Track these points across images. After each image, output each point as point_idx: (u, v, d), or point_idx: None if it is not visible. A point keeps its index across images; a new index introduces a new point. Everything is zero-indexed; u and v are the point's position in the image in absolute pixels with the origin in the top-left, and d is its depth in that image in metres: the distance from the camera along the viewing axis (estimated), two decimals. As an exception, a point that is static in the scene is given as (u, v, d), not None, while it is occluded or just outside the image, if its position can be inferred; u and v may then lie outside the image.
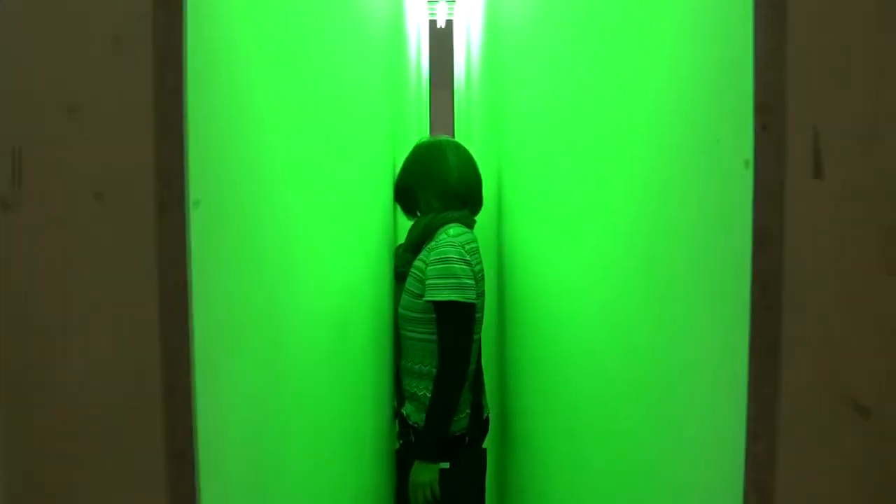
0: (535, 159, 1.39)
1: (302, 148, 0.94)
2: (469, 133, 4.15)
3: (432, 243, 1.80)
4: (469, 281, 1.72)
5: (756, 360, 0.45)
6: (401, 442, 1.90)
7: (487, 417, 1.95)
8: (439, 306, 1.71)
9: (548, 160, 1.25)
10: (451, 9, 8.21)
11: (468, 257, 1.74)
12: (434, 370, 1.75)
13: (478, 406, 1.87)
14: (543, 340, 1.31)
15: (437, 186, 1.88)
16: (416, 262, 1.81)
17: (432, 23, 8.54)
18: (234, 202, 0.60)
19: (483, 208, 2.00)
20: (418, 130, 5.28)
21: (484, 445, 1.93)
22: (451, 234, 1.78)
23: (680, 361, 0.62)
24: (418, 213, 1.96)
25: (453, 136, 4.66)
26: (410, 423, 1.82)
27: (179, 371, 0.47)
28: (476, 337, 1.83)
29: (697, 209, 0.57)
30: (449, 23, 8.65)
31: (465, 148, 1.99)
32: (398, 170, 2.03)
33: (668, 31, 0.65)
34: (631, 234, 0.78)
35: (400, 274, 1.91)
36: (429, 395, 1.74)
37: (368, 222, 1.62)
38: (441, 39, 8.80)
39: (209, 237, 0.52)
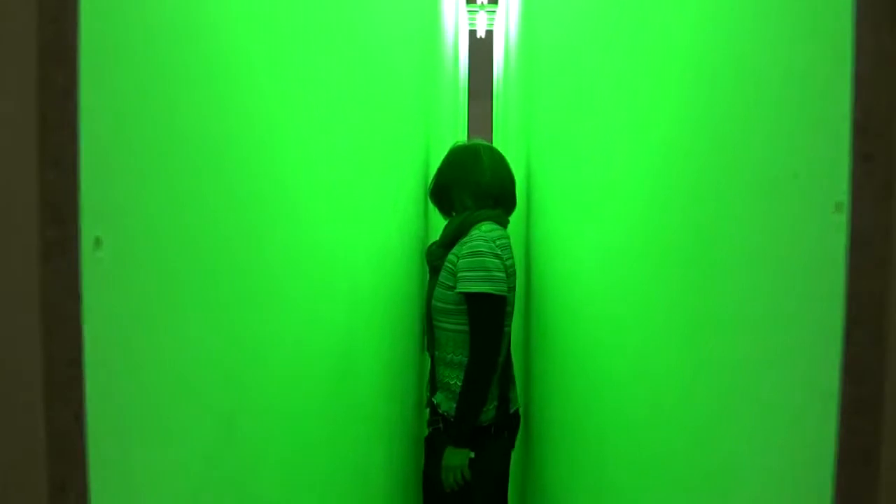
0: (565, 165, 1.49)
1: (311, 149, 0.87)
2: (505, 140, 4.26)
3: (465, 238, 1.92)
4: (500, 274, 1.83)
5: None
6: (430, 429, 2.02)
7: (517, 412, 2.05)
8: (470, 297, 1.83)
9: (577, 169, 1.34)
10: (490, 19, 8.37)
11: (499, 252, 1.86)
12: (465, 360, 1.87)
13: (505, 399, 1.98)
14: (567, 338, 1.41)
15: (472, 186, 2.01)
16: (450, 256, 1.93)
17: (472, 33, 8.71)
18: (168, 234, 0.45)
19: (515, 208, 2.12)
20: (455, 139, 5.43)
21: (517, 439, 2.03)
22: (484, 230, 1.90)
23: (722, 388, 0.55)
24: (453, 213, 2.09)
25: (491, 141, 4.79)
26: (441, 411, 1.93)
27: (69, 466, 0.35)
28: (506, 329, 1.94)
29: (764, 264, 0.45)
30: (489, 33, 8.81)
31: (498, 151, 2.12)
32: (433, 172, 2.17)
33: (720, 25, 0.53)
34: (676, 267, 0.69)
35: (434, 268, 2.04)
36: (459, 383, 1.86)
37: (392, 221, 1.75)
38: (481, 49, 8.95)
39: (118, 287, 0.39)
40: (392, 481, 1.70)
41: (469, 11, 7.94)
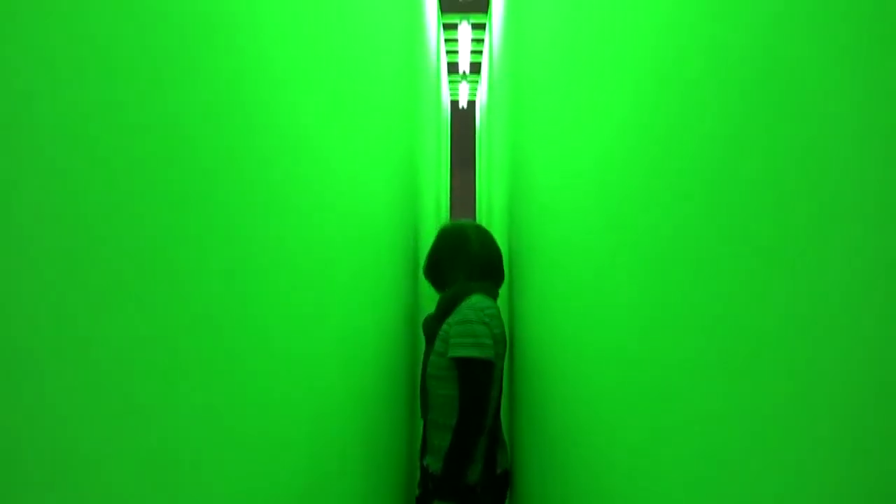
0: (547, 239, 1.86)
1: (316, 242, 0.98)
2: (489, 209, 4.67)
3: (457, 309, 2.25)
4: (487, 340, 2.15)
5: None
6: (420, 490, 2.29)
7: (505, 472, 2.32)
8: (460, 362, 2.14)
9: (559, 241, 1.70)
10: (473, 89, 8.95)
11: (487, 320, 2.18)
12: (454, 422, 2.16)
13: (492, 460, 2.25)
14: (549, 401, 1.66)
15: (462, 263, 2.37)
16: (444, 326, 2.24)
17: (454, 103, 9.29)
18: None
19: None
20: (439, 209, 5.84)
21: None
22: (473, 300, 2.23)
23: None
24: (447, 288, 2.44)
25: (474, 212, 5.20)
26: (430, 471, 2.21)
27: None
28: (494, 393, 2.24)
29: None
30: (471, 103, 9.40)
31: (484, 228, 2.50)
32: (423, 249, 2.57)
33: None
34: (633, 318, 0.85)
35: (430, 337, 2.37)
36: (447, 445, 2.14)
37: (386, 296, 2.12)
38: (464, 119, 9.52)
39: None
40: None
41: (451, 82, 8.51)
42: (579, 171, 1.24)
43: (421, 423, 2.43)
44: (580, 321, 1.25)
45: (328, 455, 1.17)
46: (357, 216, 1.38)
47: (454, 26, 6.58)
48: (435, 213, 4.74)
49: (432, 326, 2.35)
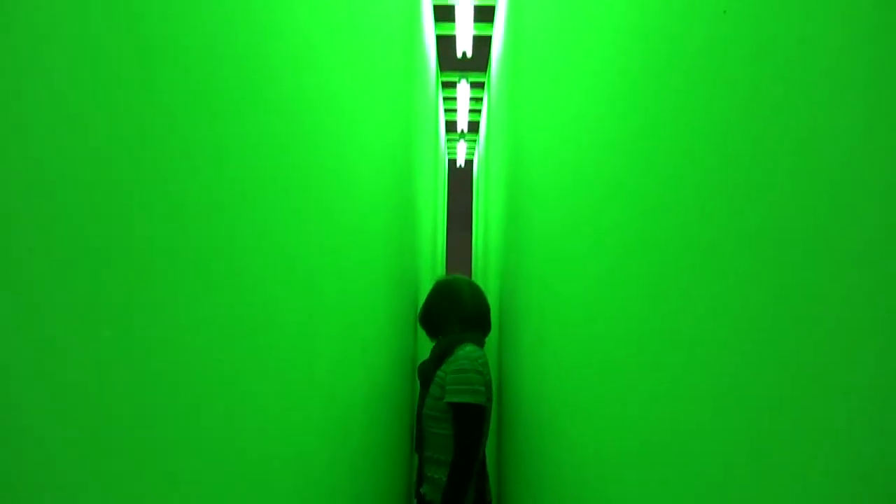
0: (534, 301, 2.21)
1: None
2: (485, 268, 5.00)
3: (452, 357, 2.61)
4: (480, 388, 2.52)
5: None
6: None
7: (489, 501, 2.68)
8: (456, 407, 2.50)
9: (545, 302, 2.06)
10: (471, 147, 9.38)
11: (480, 369, 2.56)
12: (450, 458, 2.51)
13: (481, 491, 2.62)
14: (532, 438, 2.04)
15: (455, 314, 2.76)
16: (439, 373, 2.61)
17: (451, 162, 9.71)
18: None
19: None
20: (435, 265, 6.18)
21: None
22: (468, 350, 2.60)
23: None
24: (440, 336, 2.80)
25: (470, 271, 5.57)
26: (427, 499, 2.56)
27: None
28: (485, 435, 2.59)
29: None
30: (468, 162, 9.82)
31: (476, 283, 2.87)
32: (421, 302, 2.90)
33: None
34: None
35: (424, 382, 2.71)
36: (444, 478, 2.50)
37: (392, 345, 2.44)
38: (461, 178, 9.93)
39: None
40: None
41: (449, 140, 8.92)
42: (573, 223, 1.38)
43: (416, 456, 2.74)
44: (568, 371, 1.42)
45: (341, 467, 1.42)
46: (352, 268, 1.48)
47: (453, 85, 7.00)
48: (430, 269, 5.07)
49: (427, 371, 2.68)
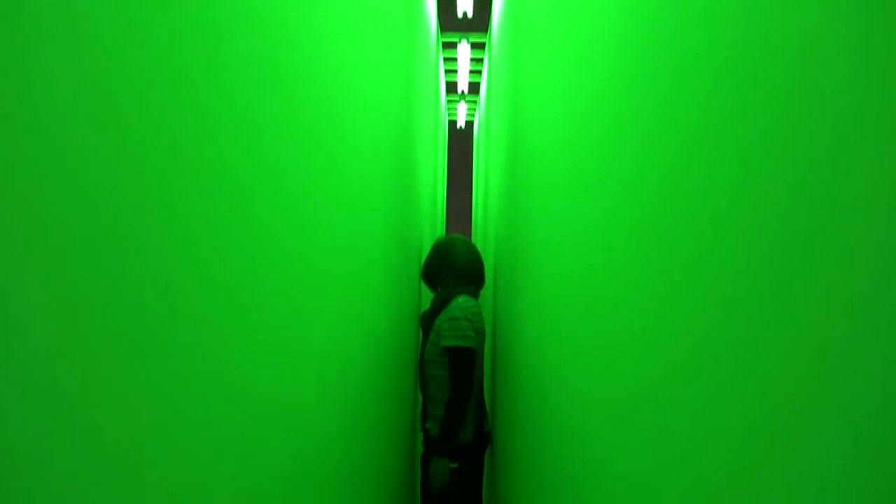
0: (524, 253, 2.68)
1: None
2: (485, 231, 5.42)
3: (447, 308, 3.14)
4: (471, 333, 3.06)
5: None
6: (423, 448, 3.20)
7: (489, 432, 3.28)
8: (450, 351, 3.04)
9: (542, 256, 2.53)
10: (471, 109, 9.76)
11: (471, 317, 3.09)
12: (447, 396, 3.05)
13: (480, 423, 3.19)
14: (523, 381, 2.50)
15: (451, 270, 3.29)
16: (436, 322, 3.15)
17: (452, 123, 10.07)
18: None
19: (485, 285, 3.37)
20: (435, 228, 6.63)
21: (486, 454, 3.24)
22: (460, 301, 3.14)
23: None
24: (439, 288, 3.35)
25: (470, 233, 6.12)
26: (431, 434, 3.12)
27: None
28: (478, 373, 3.14)
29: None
30: (468, 124, 10.19)
31: (471, 241, 3.41)
32: (423, 259, 3.44)
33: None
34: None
35: (425, 330, 3.25)
36: (443, 413, 3.02)
37: (398, 299, 2.95)
38: (461, 140, 10.33)
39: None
40: (396, 486, 2.82)
41: (449, 102, 9.28)
42: (576, 181, 1.43)
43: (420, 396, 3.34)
44: (561, 318, 1.56)
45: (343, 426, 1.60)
46: (353, 229, 1.60)
47: (453, 45, 7.33)
48: (431, 230, 5.52)
49: (427, 321, 3.20)
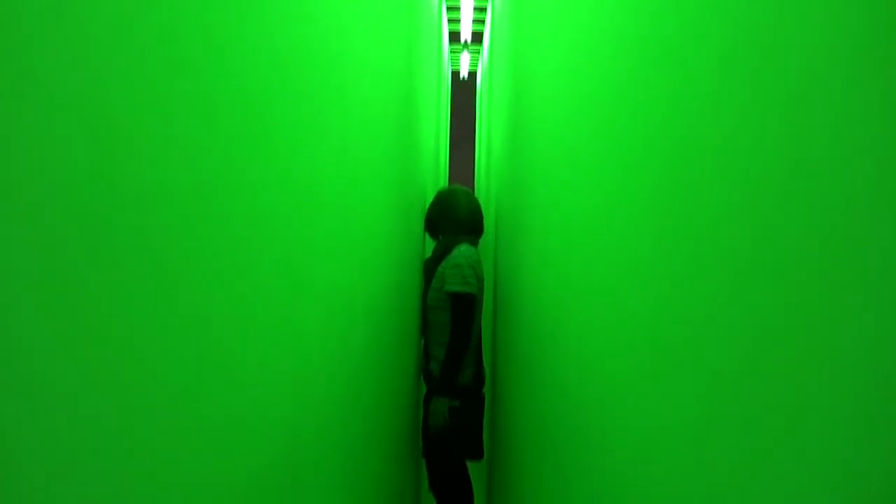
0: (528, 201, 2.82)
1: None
2: (487, 184, 5.55)
3: (450, 255, 3.30)
4: (472, 280, 3.22)
5: None
6: (426, 388, 3.37)
7: (484, 373, 3.47)
8: (452, 296, 3.21)
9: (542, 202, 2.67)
10: (474, 59, 9.79)
11: (473, 265, 3.25)
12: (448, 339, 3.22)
13: (479, 366, 3.37)
14: (523, 326, 2.67)
15: (452, 220, 3.43)
16: (439, 269, 3.31)
17: (455, 73, 10.09)
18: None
19: (485, 234, 3.52)
20: (438, 182, 6.75)
21: (484, 392, 3.46)
22: (462, 249, 3.30)
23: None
24: (440, 237, 3.49)
25: (473, 184, 6.23)
26: (433, 375, 3.30)
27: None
28: (477, 318, 3.30)
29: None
30: (472, 74, 10.21)
31: (472, 193, 3.54)
32: (426, 208, 3.58)
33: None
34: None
35: (428, 276, 3.41)
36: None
37: (405, 247, 3.09)
38: (464, 91, 10.36)
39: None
40: (400, 426, 2.99)
41: (452, 51, 9.30)
42: (577, 132, 1.44)
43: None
44: (564, 257, 1.61)
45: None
46: (352, 180, 1.57)
47: (456, -7, 7.33)
48: (434, 181, 5.63)
49: (430, 268, 3.36)
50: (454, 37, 9.08)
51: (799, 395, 0.51)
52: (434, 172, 5.82)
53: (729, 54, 0.64)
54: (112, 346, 0.51)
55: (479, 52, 9.35)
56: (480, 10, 7.83)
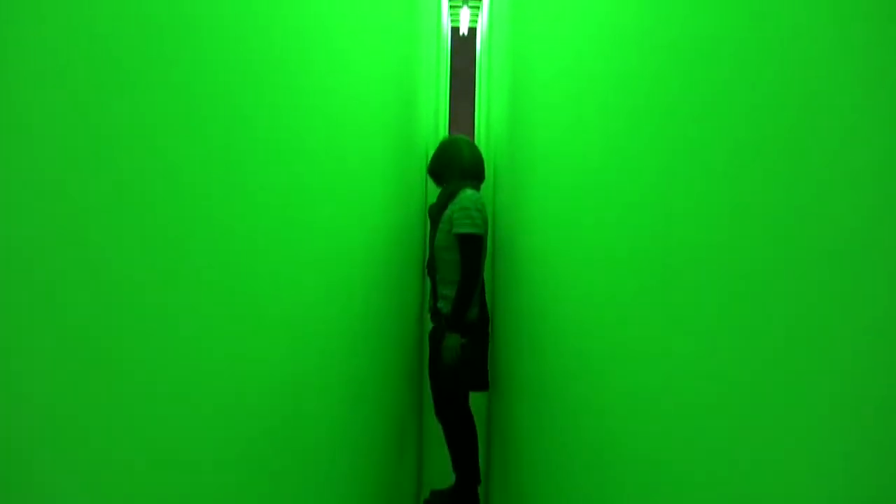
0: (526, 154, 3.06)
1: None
2: (487, 136, 5.75)
3: (456, 199, 3.57)
4: (480, 221, 3.49)
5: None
6: (434, 325, 3.69)
7: (487, 318, 3.78)
8: (461, 237, 3.48)
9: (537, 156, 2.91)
10: (474, 15, 9.88)
11: (480, 207, 3.52)
12: (457, 278, 3.53)
13: (483, 306, 3.68)
14: (516, 266, 2.88)
15: (456, 167, 3.71)
16: (446, 212, 3.58)
17: (455, 30, 10.19)
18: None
19: (485, 181, 3.82)
20: (438, 132, 6.94)
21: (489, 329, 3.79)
22: (468, 193, 3.56)
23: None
24: (444, 184, 3.78)
25: (473, 136, 6.51)
26: (443, 313, 3.61)
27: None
28: (484, 259, 3.58)
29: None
30: (472, 30, 10.32)
31: (473, 141, 3.82)
32: (429, 157, 3.86)
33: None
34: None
35: (433, 220, 3.70)
36: (453, 294, 3.53)
37: (407, 194, 3.34)
38: (464, 47, 10.49)
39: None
40: (405, 362, 3.29)
41: (452, 7, 9.38)
42: (579, 86, 1.45)
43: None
44: (562, 206, 1.69)
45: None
46: (353, 139, 1.62)
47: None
48: (434, 135, 5.83)
49: (435, 213, 3.67)
50: (453, -7, 9.15)
51: (802, 393, 0.52)
52: (434, 124, 6.01)
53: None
54: (109, 292, 0.54)
55: (478, 8, 9.45)
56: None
